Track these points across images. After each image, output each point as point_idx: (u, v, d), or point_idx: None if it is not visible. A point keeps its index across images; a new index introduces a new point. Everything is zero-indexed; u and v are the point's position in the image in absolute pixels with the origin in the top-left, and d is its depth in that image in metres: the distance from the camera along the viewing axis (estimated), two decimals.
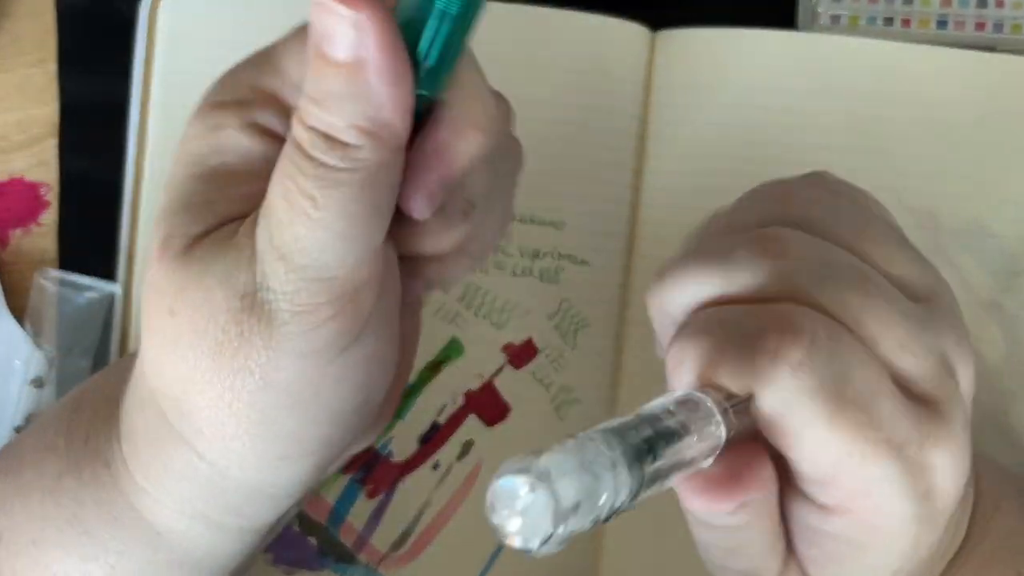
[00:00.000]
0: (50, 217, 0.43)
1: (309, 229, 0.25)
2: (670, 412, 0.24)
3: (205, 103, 0.28)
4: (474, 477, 0.42)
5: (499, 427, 0.42)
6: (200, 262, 0.26)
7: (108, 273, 0.42)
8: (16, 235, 0.42)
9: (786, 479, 0.27)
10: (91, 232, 0.42)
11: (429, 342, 0.42)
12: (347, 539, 0.41)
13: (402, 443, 0.42)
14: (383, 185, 0.25)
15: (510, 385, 0.42)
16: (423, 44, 0.25)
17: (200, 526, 0.29)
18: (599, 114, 0.43)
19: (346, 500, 0.41)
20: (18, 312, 0.41)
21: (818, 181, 0.30)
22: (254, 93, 0.28)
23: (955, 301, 0.28)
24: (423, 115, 0.26)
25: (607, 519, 0.22)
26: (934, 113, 0.43)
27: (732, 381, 0.24)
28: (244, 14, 0.43)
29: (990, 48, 0.44)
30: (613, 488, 0.22)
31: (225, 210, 0.27)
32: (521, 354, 0.42)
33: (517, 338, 0.42)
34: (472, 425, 0.42)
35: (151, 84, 0.42)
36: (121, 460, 0.30)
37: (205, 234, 0.26)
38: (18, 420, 0.40)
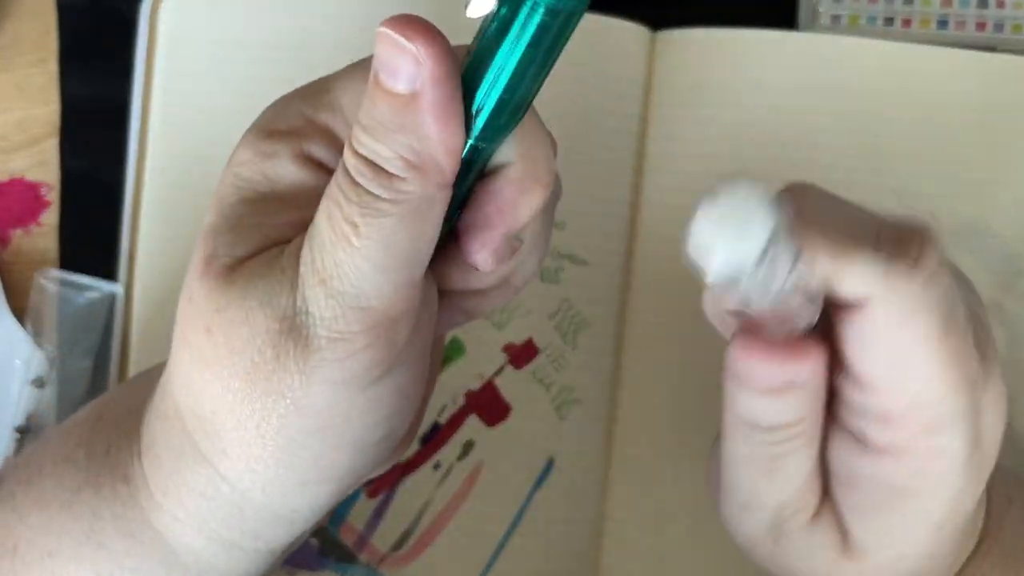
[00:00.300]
0: (51, 217, 0.43)
1: (349, 256, 0.25)
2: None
3: (258, 129, 0.28)
4: (475, 477, 0.42)
5: (500, 427, 0.42)
6: (243, 283, 0.26)
7: (108, 273, 0.42)
8: (17, 235, 0.42)
9: (833, 422, 0.27)
10: (91, 232, 0.42)
11: None
12: (348, 539, 0.41)
13: None
14: (425, 220, 0.26)
15: (511, 385, 0.42)
16: (480, 95, 0.25)
17: (217, 547, 0.29)
18: (599, 114, 0.43)
19: (347, 500, 0.41)
20: (19, 312, 0.41)
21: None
22: (308, 124, 0.28)
23: None
24: (483, 165, 0.27)
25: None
26: (934, 113, 0.43)
27: (854, 279, 0.24)
28: (244, 14, 0.43)
29: (990, 48, 0.44)
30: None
31: (271, 234, 0.27)
32: (521, 354, 0.42)
33: (518, 338, 0.42)
34: (473, 425, 0.42)
35: (152, 84, 0.42)
36: (141, 476, 0.30)
37: (249, 256, 0.27)
38: (18, 420, 0.40)
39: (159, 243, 0.42)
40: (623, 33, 0.43)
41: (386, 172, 0.25)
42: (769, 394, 0.26)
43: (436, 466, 0.42)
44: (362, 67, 0.28)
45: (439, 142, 0.25)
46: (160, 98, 0.42)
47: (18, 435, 0.40)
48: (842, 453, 0.27)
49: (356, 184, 0.25)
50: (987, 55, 0.43)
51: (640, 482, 0.42)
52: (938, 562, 0.29)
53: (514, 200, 0.27)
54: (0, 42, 0.43)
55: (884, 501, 0.27)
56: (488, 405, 0.42)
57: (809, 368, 0.25)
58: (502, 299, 0.30)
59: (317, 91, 0.28)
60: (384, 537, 0.41)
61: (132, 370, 0.41)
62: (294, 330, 0.25)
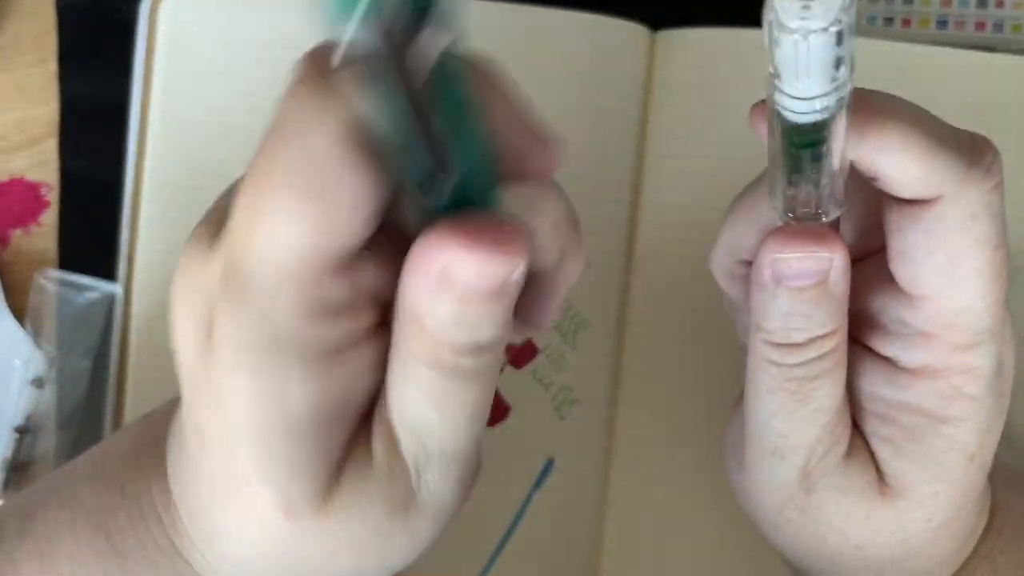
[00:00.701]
0: (50, 217, 0.43)
1: (473, 426, 0.26)
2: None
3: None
4: None
5: (499, 427, 0.42)
6: (343, 511, 0.25)
7: (108, 273, 0.42)
8: (16, 235, 0.42)
9: (865, 354, 0.28)
10: (91, 232, 0.42)
11: None
12: None
13: None
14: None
15: (510, 385, 0.42)
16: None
17: None
18: (599, 114, 0.43)
19: None
20: (18, 312, 0.41)
21: None
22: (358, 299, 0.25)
23: None
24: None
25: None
26: (934, 112, 0.42)
27: (932, 174, 0.25)
28: (244, 14, 0.43)
29: (990, 48, 0.44)
30: None
31: (340, 444, 0.25)
32: (521, 354, 0.42)
33: (517, 337, 0.42)
34: None
35: (151, 84, 0.42)
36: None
37: (330, 481, 0.25)
38: (18, 420, 0.40)
39: (158, 243, 0.42)
40: (623, 33, 0.43)
41: (490, 348, 0.24)
42: (802, 295, 0.26)
43: None
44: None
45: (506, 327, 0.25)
46: (160, 98, 0.42)
47: (17, 435, 0.40)
48: (876, 384, 0.28)
49: (466, 370, 0.24)
50: (987, 55, 0.43)
51: (640, 482, 0.42)
52: (966, 507, 0.29)
53: (559, 291, 0.27)
54: (0, 42, 0.43)
55: (919, 430, 0.27)
56: None
57: (840, 257, 0.26)
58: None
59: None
60: None
61: (131, 370, 0.41)
62: (410, 507, 0.26)
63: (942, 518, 0.28)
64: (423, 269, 0.23)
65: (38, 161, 0.43)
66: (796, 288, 0.26)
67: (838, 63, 0.22)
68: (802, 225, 0.26)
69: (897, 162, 0.25)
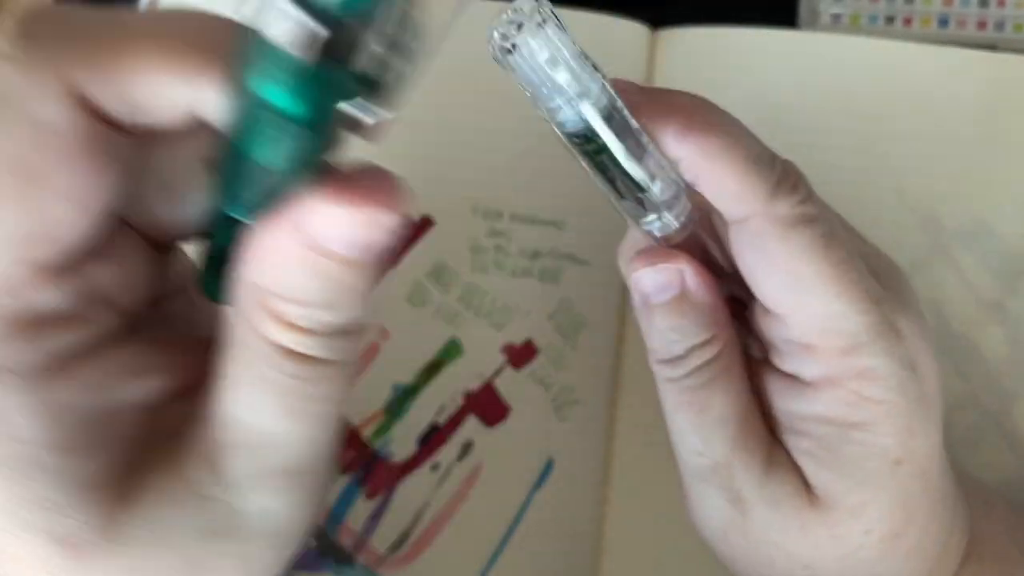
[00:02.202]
0: None
1: (307, 428, 0.23)
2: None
3: None
4: (474, 478, 0.42)
5: (499, 427, 0.42)
6: (140, 539, 0.22)
7: None
8: None
9: (770, 373, 0.28)
10: None
11: (429, 342, 0.42)
12: (346, 541, 0.41)
13: (401, 444, 0.42)
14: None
15: (510, 385, 0.42)
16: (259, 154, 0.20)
17: None
18: None
19: (345, 501, 0.41)
20: None
21: None
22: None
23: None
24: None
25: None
26: (935, 112, 0.42)
27: (745, 190, 0.26)
28: (244, 14, 0.43)
29: (991, 47, 0.44)
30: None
31: (115, 466, 0.22)
32: (521, 354, 0.42)
33: (517, 338, 0.42)
34: (472, 425, 0.42)
35: None
36: None
37: (113, 508, 0.22)
38: None
39: None
40: (622, 32, 0.43)
41: (343, 333, 0.22)
42: (667, 308, 0.28)
43: (435, 467, 0.42)
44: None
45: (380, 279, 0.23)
46: None
47: None
48: (786, 400, 0.28)
49: (308, 357, 0.22)
50: (988, 54, 0.43)
51: (640, 482, 0.42)
52: (916, 521, 0.28)
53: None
54: None
55: (832, 439, 0.27)
56: (487, 405, 0.42)
57: (689, 268, 0.27)
58: None
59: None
60: (382, 538, 0.41)
61: None
62: (231, 531, 0.23)
63: (884, 530, 0.28)
64: (277, 236, 0.21)
65: None
66: (660, 303, 0.28)
67: (554, 63, 0.23)
68: (652, 245, 0.28)
69: (718, 173, 0.26)
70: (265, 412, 0.22)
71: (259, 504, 0.23)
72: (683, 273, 0.27)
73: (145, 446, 0.23)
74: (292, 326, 0.21)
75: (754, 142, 0.27)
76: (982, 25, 0.44)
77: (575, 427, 0.42)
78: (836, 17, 0.44)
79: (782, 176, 0.26)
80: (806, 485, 0.28)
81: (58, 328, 0.21)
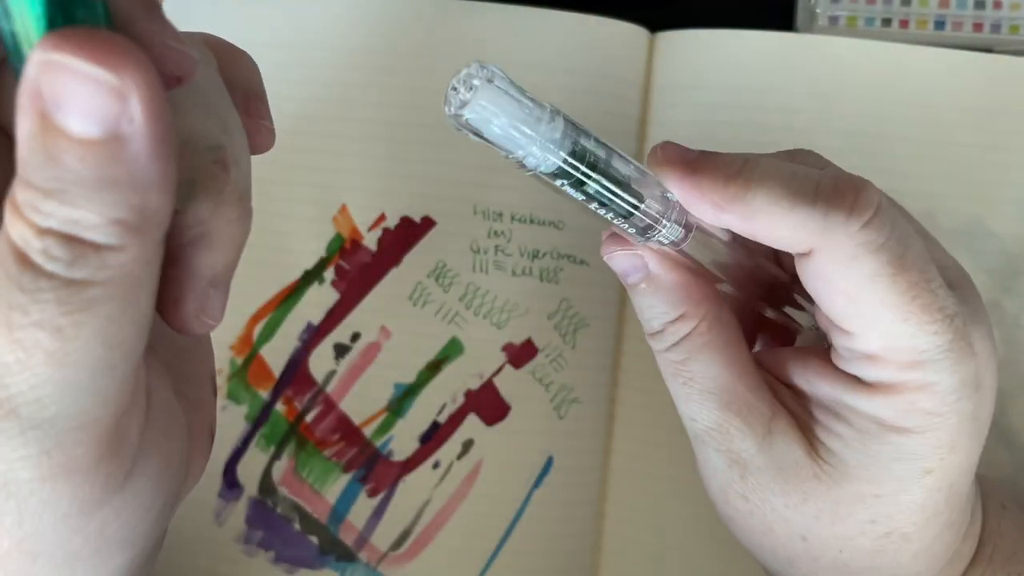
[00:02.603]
0: None
1: (56, 368, 0.18)
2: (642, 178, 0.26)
3: None
4: (474, 476, 0.42)
5: (499, 426, 0.42)
6: None
7: None
8: None
9: (818, 355, 0.29)
10: None
11: (429, 342, 0.42)
12: (347, 538, 0.41)
13: (402, 442, 0.42)
14: (148, 290, 0.19)
15: (510, 385, 0.42)
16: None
17: None
18: (599, 115, 0.43)
19: (346, 499, 0.42)
20: None
21: None
22: None
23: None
24: None
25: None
26: (932, 114, 0.43)
27: (796, 231, 0.26)
28: (243, 14, 0.43)
29: (987, 49, 0.44)
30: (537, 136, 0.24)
31: None
32: (521, 354, 0.42)
33: (517, 338, 0.42)
34: (472, 424, 0.42)
35: None
36: None
37: None
38: None
39: None
40: (622, 34, 0.44)
41: (92, 245, 0.18)
42: (638, 289, 0.29)
43: (435, 465, 0.42)
44: None
45: (162, 186, 0.18)
46: None
47: None
48: (834, 387, 0.28)
49: (48, 274, 0.17)
50: (984, 56, 0.43)
51: (640, 482, 0.42)
52: (931, 527, 0.28)
53: (209, 264, 0.21)
54: None
55: (872, 434, 0.27)
56: (487, 404, 0.42)
57: (651, 255, 0.28)
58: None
59: None
60: (383, 536, 0.42)
61: None
62: None
63: (890, 527, 0.28)
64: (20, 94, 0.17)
65: None
66: (631, 284, 0.29)
67: (509, 123, 0.23)
68: (614, 234, 0.29)
69: (764, 229, 0.26)
70: None
71: (7, 451, 0.19)
72: (644, 258, 0.28)
73: None
74: (30, 221, 0.18)
75: (790, 178, 0.26)
76: (978, 27, 0.44)
77: (575, 426, 0.42)
78: (833, 19, 0.45)
79: (832, 204, 0.26)
80: (814, 454, 0.28)
81: None
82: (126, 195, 0.18)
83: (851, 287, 0.26)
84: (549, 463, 0.42)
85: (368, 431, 0.42)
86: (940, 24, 0.44)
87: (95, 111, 0.17)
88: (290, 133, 0.42)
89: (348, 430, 0.42)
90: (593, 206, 0.26)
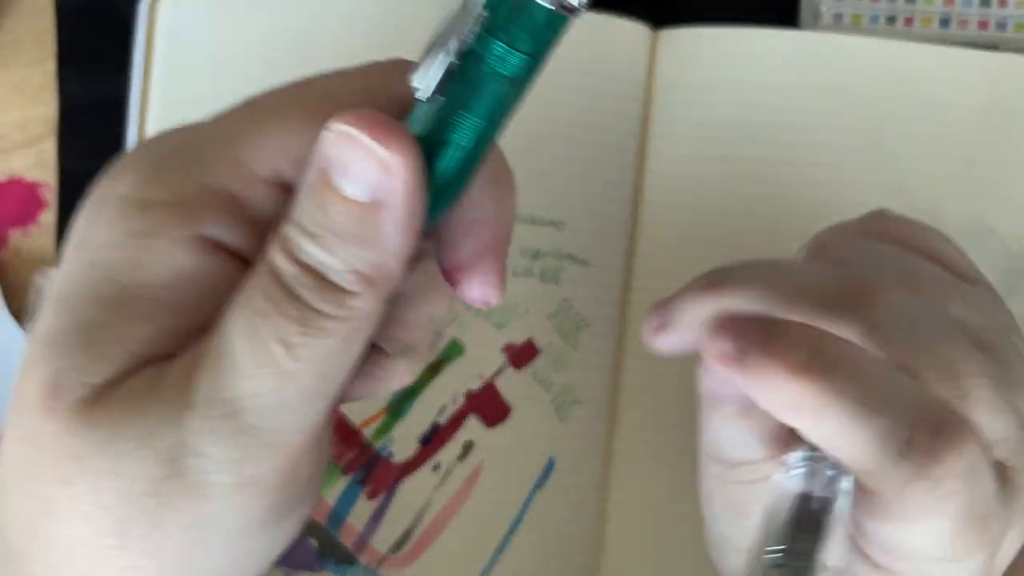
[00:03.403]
0: (49, 217, 0.43)
1: (279, 382, 0.20)
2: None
3: (125, 199, 0.22)
4: (475, 478, 0.42)
5: (500, 428, 0.42)
6: (110, 423, 0.20)
7: None
8: (15, 235, 0.42)
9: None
10: None
11: None
12: (347, 540, 0.41)
13: (402, 444, 0.42)
14: (364, 338, 0.22)
15: (511, 385, 0.42)
16: (443, 166, 0.22)
17: None
18: (599, 114, 0.43)
19: (346, 501, 0.41)
20: (17, 312, 0.41)
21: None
22: (200, 191, 0.22)
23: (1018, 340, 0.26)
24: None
25: None
26: (937, 112, 0.42)
27: (870, 474, 0.23)
28: (243, 13, 0.43)
29: (993, 47, 0.44)
30: None
31: (138, 349, 0.21)
32: (521, 354, 0.42)
33: (517, 338, 0.42)
34: (473, 426, 0.42)
35: (150, 83, 0.42)
36: None
37: (111, 382, 0.21)
38: None
39: None
40: (623, 32, 0.43)
41: (335, 286, 0.21)
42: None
43: (436, 467, 0.42)
44: (261, 114, 0.23)
45: (401, 255, 0.21)
46: (158, 97, 0.42)
47: None
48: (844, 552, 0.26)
49: (295, 296, 0.21)
50: (990, 54, 0.43)
51: (640, 482, 0.42)
52: None
53: (498, 225, 0.24)
54: None
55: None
56: (488, 405, 0.42)
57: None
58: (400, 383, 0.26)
59: (212, 144, 0.23)
60: (384, 538, 0.41)
61: None
62: (182, 475, 0.20)
63: None
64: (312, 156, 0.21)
65: (37, 161, 0.43)
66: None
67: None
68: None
69: (831, 440, 0.23)
70: (240, 340, 0.21)
71: (212, 447, 0.21)
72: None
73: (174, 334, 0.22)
74: (291, 253, 0.21)
75: (875, 385, 0.23)
76: (983, 25, 0.44)
77: (576, 427, 0.42)
78: (837, 17, 0.44)
79: (914, 434, 0.22)
80: None
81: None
82: (370, 253, 0.21)
83: (908, 532, 0.23)
84: (550, 465, 0.42)
85: (367, 432, 0.42)
86: (945, 22, 0.44)
87: (365, 178, 0.20)
88: None
89: (347, 432, 0.42)
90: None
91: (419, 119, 0.22)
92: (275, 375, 0.20)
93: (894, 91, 0.43)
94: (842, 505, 0.23)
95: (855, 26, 0.44)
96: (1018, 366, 0.25)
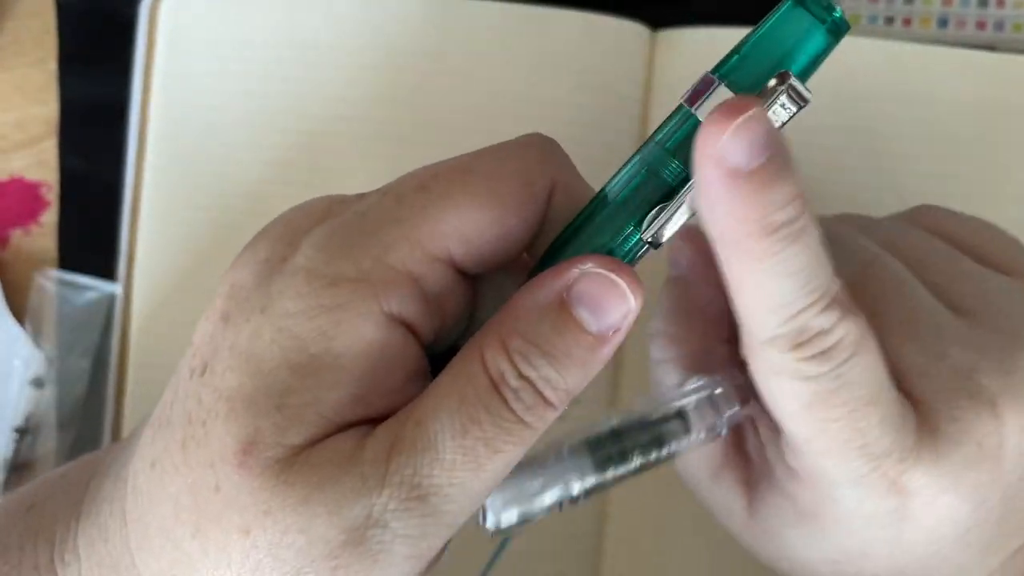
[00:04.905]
0: (50, 217, 0.43)
1: (472, 479, 0.23)
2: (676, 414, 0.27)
3: (314, 273, 0.23)
4: None
5: None
6: (304, 485, 0.22)
7: (108, 273, 0.42)
8: (16, 235, 0.42)
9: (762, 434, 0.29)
10: (91, 232, 0.42)
11: None
12: None
13: None
14: (535, 439, 0.24)
15: None
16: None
17: None
18: (599, 114, 0.43)
19: None
20: (18, 312, 0.41)
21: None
22: (385, 270, 0.23)
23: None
24: None
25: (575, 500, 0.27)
26: (935, 112, 0.42)
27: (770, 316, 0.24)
28: (244, 13, 0.43)
29: (991, 47, 0.44)
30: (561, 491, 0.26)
31: (331, 415, 0.23)
32: None
33: None
34: None
35: (151, 83, 0.42)
36: None
37: (306, 445, 0.23)
38: (18, 420, 0.40)
39: (158, 243, 0.42)
40: (623, 33, 0.43)
41: (545, 401, 0.23)
42: None
43: None
44: (439, 197, 0.24)
45: (589, 380, 0.24)
46: (159, 97, 0.42)
47: (17, 435, 0.40)
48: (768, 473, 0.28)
49: (511, 408, 0.23)
50: (988, 54, 0.43)
51: (642, 483, 0.42)
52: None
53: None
54: (0, 42, 0.43)
55: (788, 513, 0.28)
56: None
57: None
58: None
59: (382, 225, 0.24)
60: None
61: (131, 370, 0.41)
62: (362, 543, 0.22)
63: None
64: (545, 275, 0.24)
65: (37, 161, 0.43)
66: None
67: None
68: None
69: (758, 290, 0.25)
70: (447, 436, 0.23)
71: (398, 523, 0.22)
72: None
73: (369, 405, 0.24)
74: (515, 365, 0.23)
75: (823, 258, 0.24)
76: (981, 25, 0.44)
77: (576, 427, 0.42)
78: None
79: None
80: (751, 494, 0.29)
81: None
82: (581, 376, 0.24)
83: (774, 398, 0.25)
84: None
85: None
86: (943, 22, 0.44)
87: (609, 317, 0.24)
88: (290, 133, 0.42)
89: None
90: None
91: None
92: (473, 472, 0.23)
93: (892, 91, 0.43)
94: (708, 434, 0.27)
95: (853, 26, 0.44)
96: (1004, 339, 0.27)
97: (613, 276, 0.23)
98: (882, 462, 0.25)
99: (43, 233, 0.42)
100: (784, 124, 0.25)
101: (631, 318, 0.24)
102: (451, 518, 0.23)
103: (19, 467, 0.40)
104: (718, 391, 0.28)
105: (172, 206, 0.42)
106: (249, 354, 0.23)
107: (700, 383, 0.28)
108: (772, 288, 0.23)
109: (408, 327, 0.24)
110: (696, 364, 0.29)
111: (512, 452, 0.23)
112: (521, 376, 0.23)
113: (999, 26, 0.44)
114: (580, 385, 0.24)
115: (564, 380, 0.23)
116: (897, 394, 0.25)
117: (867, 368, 0.24)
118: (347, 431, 0.23)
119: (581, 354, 0.23)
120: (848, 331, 0.24)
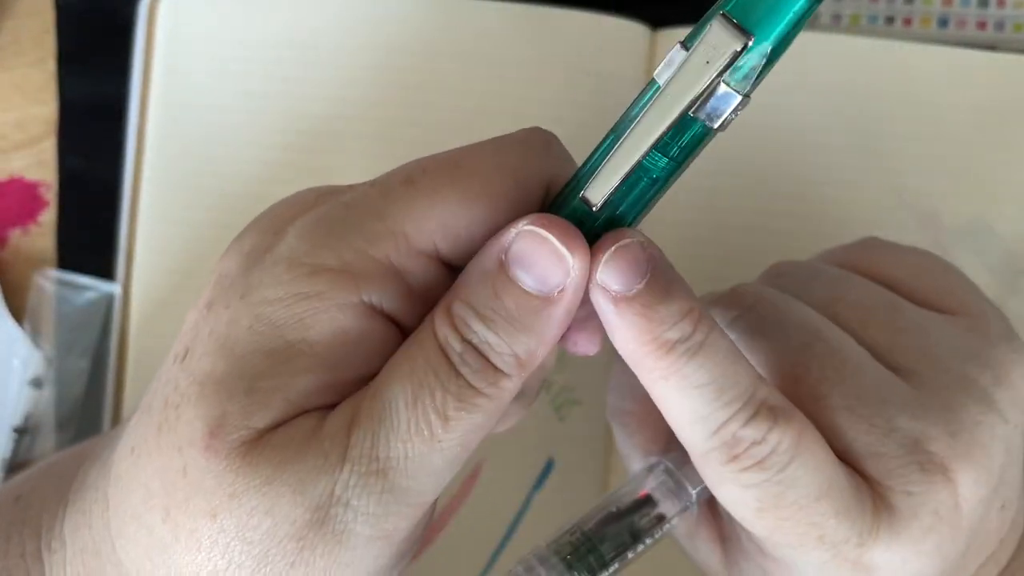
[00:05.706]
0: (49, 217, 0.43)
1: (428, 449, 0.23)
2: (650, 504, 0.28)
3: (293, 262, 0.23)
4: (474, 479, 0.42)
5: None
6: (269, 467, 0.22)
7: (107, 273, 0.42)
8: (15, 235, 0.42)
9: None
10: (90, 232, 0.42)
11: None
12: None
13: None
14: (501, 412, 0.24)
15: None
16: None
17: None
18: (599, 114, 0.43)
19: None
20: (17, 312, 0.41)
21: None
22: (364, 260, 0.24)
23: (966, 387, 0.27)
24: None
25: None
26: (935, 112, 0.42)
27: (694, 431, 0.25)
28: (243, 13, 0.43)
29: (991, 47, 0.44)
30: None
31: (297, 399, 0.23)
32: None
33: None
34: None
35: (150, 83, 0.42)
36: None
37: (271, 427, 0.23)
38: (17, 420, 0.40)
39: (157, 243, 0.42)
40: (623, 32, 0.43)
41: (494, 367, 0.23)
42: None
43: None
44: (426, 191, 0.24)
45: (551, 343, 0.24)
46: (158, 97, 0.42)
47: (16, 435, 0.40)
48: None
49: (457, 372, 0.23)
50: (988, 54, 0.43)
51: None
52: None
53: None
54: None
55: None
56: None
57: None
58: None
59: (367, 216, 0.24)
60: None
61: (130, 370, 0.41)
62: (326, 522, 0.22)
63: None
64: (491, 244, 0.24)
65: (37, 160, 0.43)
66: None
67: None
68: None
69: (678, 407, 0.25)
70: (401, 406, 0.23)
71: (359, 500, 0.22)
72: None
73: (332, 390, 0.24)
74: (457, 330, 0.23)
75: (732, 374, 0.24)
76: (982, 25, 0.44)
77: (575, 427, 0.42)
78: (836, 17, 0.44)
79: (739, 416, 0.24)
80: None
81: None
82: (530, 340, 0.23)
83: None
84: (550, 465, 0.42)
85: None
86: (943, 22, 0.44)
87: (547, 276, 0.23)
88: (289, 133, 0.42)
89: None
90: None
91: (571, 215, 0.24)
92: (427, 442, 0.22)
93: (892, 91, 0.43)
94: (676, 521, 0.28)
95: (853, 26, 0.44)
96: (948, 395, 0.26)
97: (543, 232, 0.23)
98: (841, 548, 0.25)
99: (42, 233, 0.42)
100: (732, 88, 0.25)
101: (576, 275, 0.23)
102: (412, 496, 0.23)
103: (18, 467, 0.40)
104: (685, 467, 0.28)
105: (171, 206, 0.42)
106: (225, 339, 0.23)
107: (663, 463, 0.28)
108: (684, 404, 0.24)
109: (390, 318, 0.24)
110: (659, 440, 0.30)
111: (466, 421, 0.23)
112: (463, 340, 0.23)
113: (999, 26, 0.44)
114: (533, 350, 0.23)
115: (508, 344, 0.23)
116: (849, 479, 0.25)
117: (811, 468, 0.24)
118: (312, 412, 0.23)
119: (522, 316, 0.23)
120: (782, 437, 0.24)
